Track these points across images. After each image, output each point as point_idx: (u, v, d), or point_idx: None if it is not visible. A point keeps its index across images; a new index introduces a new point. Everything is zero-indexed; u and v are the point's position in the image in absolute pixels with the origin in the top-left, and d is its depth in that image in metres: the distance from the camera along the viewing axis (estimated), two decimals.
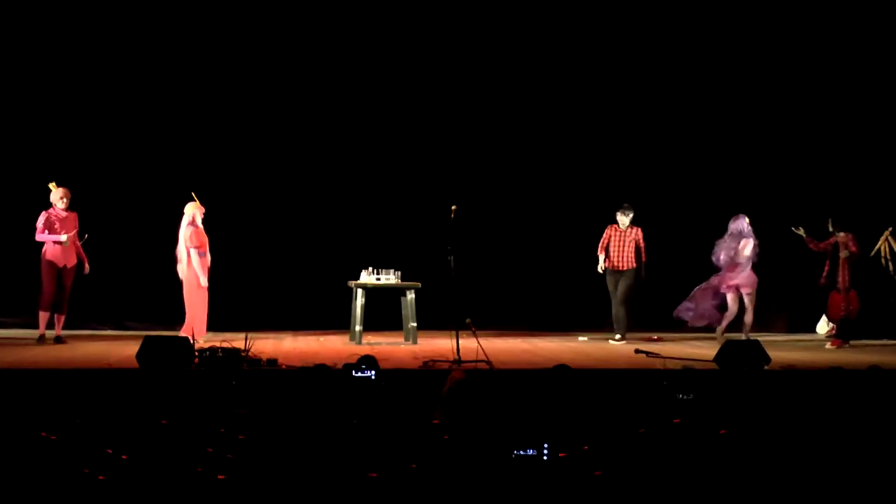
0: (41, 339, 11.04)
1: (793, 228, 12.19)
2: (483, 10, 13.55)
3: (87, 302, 12.95)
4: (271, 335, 12.20)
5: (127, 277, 12.78)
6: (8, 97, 12.97)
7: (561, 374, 6.68)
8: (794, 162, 13.85)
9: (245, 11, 13.23)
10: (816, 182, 13.65)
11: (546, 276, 13.47)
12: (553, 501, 5.45)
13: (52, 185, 11.20)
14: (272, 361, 9.05)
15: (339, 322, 12.48)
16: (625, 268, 12.04)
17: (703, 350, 10.93)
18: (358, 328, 11.51)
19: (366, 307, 11.59)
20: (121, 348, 10.38)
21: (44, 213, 11.12)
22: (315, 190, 13.43)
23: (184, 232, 11.12)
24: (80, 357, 9.73)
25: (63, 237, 10.97)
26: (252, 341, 9.74)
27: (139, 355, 8.86)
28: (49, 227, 11.06)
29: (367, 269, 11.66)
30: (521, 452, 5.44)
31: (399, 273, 11.73)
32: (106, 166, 13.02)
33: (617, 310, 12.12)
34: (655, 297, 12.76)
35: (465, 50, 13.60)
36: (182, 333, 10.87)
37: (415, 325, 11.62)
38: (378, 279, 11.60)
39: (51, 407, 6.16)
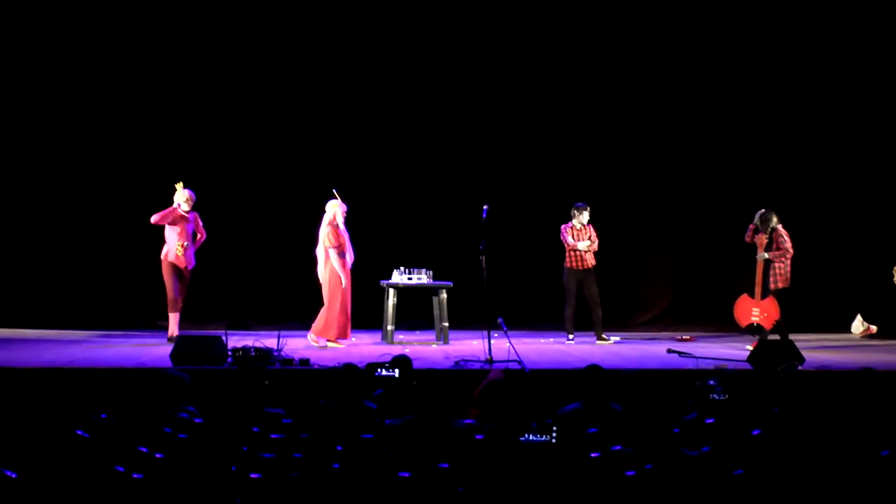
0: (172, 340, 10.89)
1: None
2: (515, 14, 13.54)
3: (121, 301, 13.10)
4: (304, 334, 12.24)
5: (159, 276, 12.86)
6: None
7: (593, 374, 6.65)
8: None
9: (262, 12, 13.32)
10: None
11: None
12: (584, 500, 5.44)
13: (178, 186, 11.15)
14: (304, 361, 9.10)
15: (370, 321, 12.50)
16: (589, 266, 11.95)
17: (735, 350, 10.88)
18: (390, 328, 11.52)
19: (396, 306, 11.60)
20: (154, 348, 10.47)
21: (171, 207, 11.12)
22: (347, 190, 13.45)
23: (322, 231, 11.06)
24: (114, 356, 9.82)
25: (172, 248, 11.00)
26: (285, 341, 9.80)
27: (173, 354, 8.93)
28: (170, 222, 11.06)
29: (398, 268, 11.66)
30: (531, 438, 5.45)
31: (431, 272, 11.71)
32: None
33: (599, 310, 11.92)
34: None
35: (499, 47, 13.59)
36: (316, 336, 10.96)
37: (447, 324, 11.60)
38: (410, 279, 11.59)
39: (86, 405, 6.21)
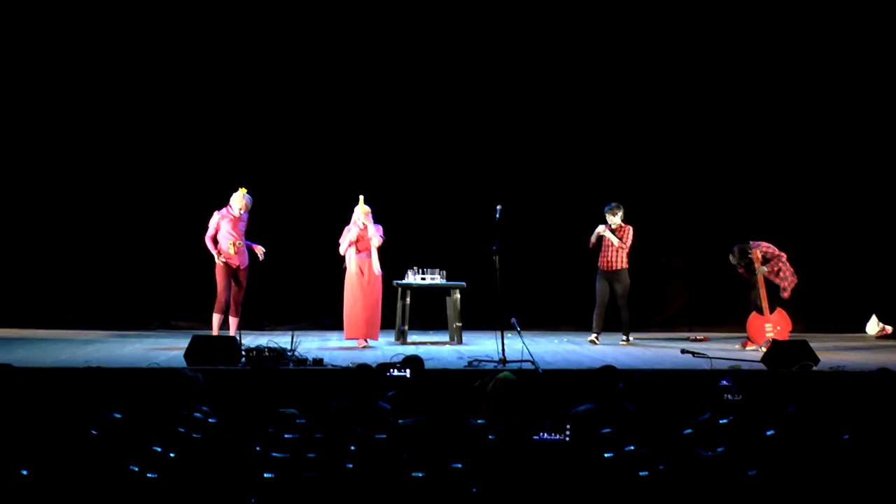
0: None
1: None
2: (528, 17, 13.53)
3: (136, 302, 13.13)
4: (317, 334, 12.27)
5: (174, 276, 12.90)
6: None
7: (606, 374, 6.63)
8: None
9: (284, 27, 13.35)
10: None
11: (592, 276, 13.40)
12: (598, 501, 5.43)
13: (242, 190, 10.90)
14: (318, 361, 9.11)
15: (384, 322, 12.46)
16: (619, 267, 11.89)
17: (749, 351, 10.84)
18: (403, 328, 11.52)
19: (410, 306, 11.59)
20: (169, 349, 10.49)
21: (217, 213, 10.85)
22: (361, 191, 13.48)
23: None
24: (127, 356, 9.85)
25: (223, 252, 10.70)
26: (298, 341, 9.81)
27: (187, 354, 8.95)
28: (220, 227, 10.77)
29: (412, 268, 11.67)
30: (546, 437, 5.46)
31: (444, 273, 11.71)
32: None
33: (623, 312, 11.85)
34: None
35: (514, 49, 13.57)
36: (346, 337, 11.00)
37: (460, 324, 11.61)
38: (423, 279, 11.60)
39: (99, 405, 6.22)
